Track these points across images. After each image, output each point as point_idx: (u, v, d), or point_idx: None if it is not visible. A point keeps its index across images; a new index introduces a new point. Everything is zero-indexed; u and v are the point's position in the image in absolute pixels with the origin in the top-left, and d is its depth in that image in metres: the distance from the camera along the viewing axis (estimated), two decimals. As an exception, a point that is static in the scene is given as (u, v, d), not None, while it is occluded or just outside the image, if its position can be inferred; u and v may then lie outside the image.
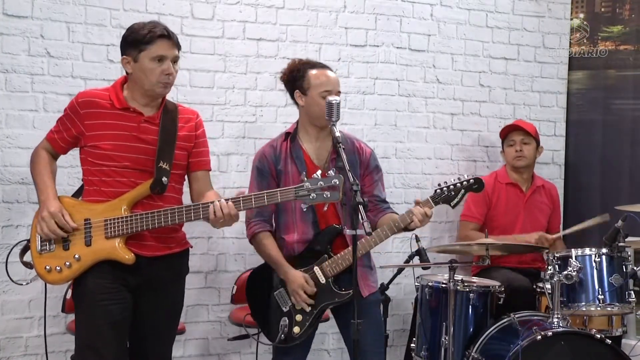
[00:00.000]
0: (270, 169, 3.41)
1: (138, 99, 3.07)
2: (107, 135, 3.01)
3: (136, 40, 3.01)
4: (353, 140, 3.54)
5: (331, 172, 2.95)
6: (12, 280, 3.24)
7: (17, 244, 3.18)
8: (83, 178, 3.12)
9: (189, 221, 3.03)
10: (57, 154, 3.17)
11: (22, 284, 3.25)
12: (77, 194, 3.21)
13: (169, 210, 2.97)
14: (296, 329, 3.33)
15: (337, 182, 2.89)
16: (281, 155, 3.42)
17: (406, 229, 3.32)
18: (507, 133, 4.58)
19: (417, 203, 3.32)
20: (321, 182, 2.90)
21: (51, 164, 3.15)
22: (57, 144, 3.12)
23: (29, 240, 3.10)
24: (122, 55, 3.07)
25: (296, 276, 3.32)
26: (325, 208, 3.01)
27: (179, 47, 3.09)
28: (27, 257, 3.11)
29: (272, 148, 3.45)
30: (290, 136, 3.44)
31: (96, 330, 2.93)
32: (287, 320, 3.33)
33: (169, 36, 3.03)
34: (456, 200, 3.35)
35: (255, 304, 3.46)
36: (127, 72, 3.08)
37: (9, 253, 3.23)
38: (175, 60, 3.07)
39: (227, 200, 2.97)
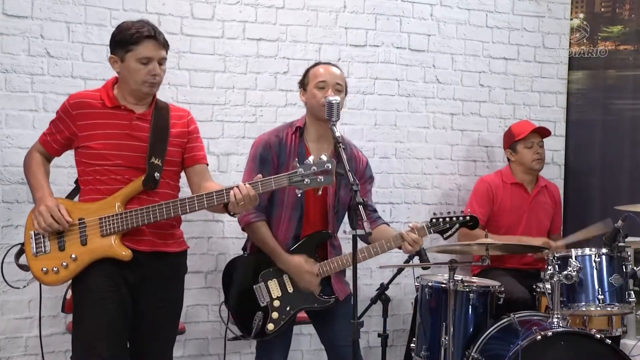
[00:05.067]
0: (272, 159, 3.43)
1: (128, 98, 3.09)
2: (99, 134, 3.02)
3: (123, 40, 3.03)
4: (352, 147, 3.60)
5: (323, 157, 2.93)
6: (8, 284, 3.23)
7: (12, 247, 3.17)
8: (78, 179, 3.13)
9: (184, 214, 3.02)
10: (50, 156, 3.19)
11: (19, 287, 3.22)
12: (71, 196, 3.21)
13: (163, 204, 2.97)
14: (270, 326, 3.36)
15: (330, 166, 2.90)
16: (286, 147, 3.45)
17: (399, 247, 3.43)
18: (527, 134, 4.51)
19: (412, 229, 3.40)
20: (314, 167, 2.91)
21: (45, 165, 3.16)
22: (50, 146, 3.14)
23: (23, 244, 3.08)
24: (110, 53, 3.09)
25: (297, 261, 3.37)
26: (320, 192, 3.05)
27: (166, 46, 3.10)
28: (23, 260, 3.10)
29: (277, 138, 3.47)
30: (300, 131, 3.48)
31: (95, 330, 2.92)
32: (262, 315, 3.35)
33: (155, 37, 3.04)
34: (449, 233, 3.46)
35: (231, 293, 3.46)
36: (116, 72, 3.10)
37: (4, 256, 3.21)
38: (161, 61, 3.08)
39: (227, 188, 2.96)
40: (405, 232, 3.39)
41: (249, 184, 2.96)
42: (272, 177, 2.99)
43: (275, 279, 3.40)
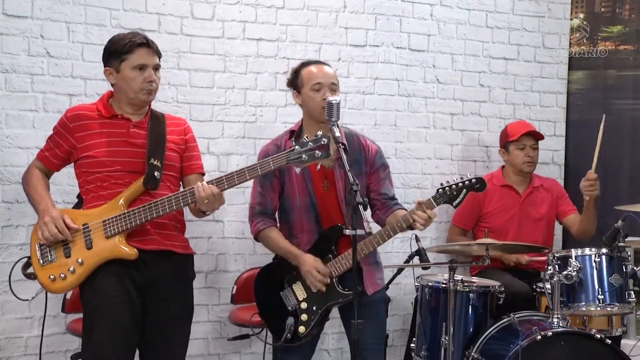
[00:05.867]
0: None
1: (124, 108, 3.13)
2: (98, 143, 3.06)
3: (116, 51, 3.07)
4: (359, 137, 3.55)
5: (319, 133, 2.97)
6: (17, 297, 3.23)
7: (18, 261, 3.18)
8: (80, 191, 3.16)
9: (186, 205, 3.05)
10: (49, 171, 3.21)
11: (27, 300, 3.27)
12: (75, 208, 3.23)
13: (165, 198, 3.00)
14: (301, 329, 3.34)
15: (326, 141, 2.94)
16: None
17: (410, 227, 3.32)
18: (520, 136, 4.50)
19: (418, 203, 3.31)
20: (310, 143, 2.96)
21: (44, 179, 3.19)
22: (49, 161, 3.16)
23: (29, 257, 3.10)
24: (104, 67, 3.13)
25: (307, 258, 3.33)
26: (318, 167, 3.04)
27: (159, 54, 3.15)
28: (30, 270, 3.10)
29: (276, 147, 3.45)
30: (295, 134, 3.45)
31: (106, 336, 2.93)
32: (293, 320, 3.33)
33: (148, 44, 3.09)
34: (458, 200, 3.33)
35: (262, 303, 3.47)
36: (111, 84, 3.14)
37: (11, 271, 3.21)
38: (156, 67, 3.12)
39: (225, 176, 3.01)
40: (414, 210, 3.29)
41: (217, 179, 3.00)
42: (270, 157, 3.02)
43: (299, 281, 3.38)
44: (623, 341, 4.08)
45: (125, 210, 3.00)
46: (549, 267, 3.67)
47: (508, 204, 4.50)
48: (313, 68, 3.43)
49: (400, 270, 4.19)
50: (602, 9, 5.09)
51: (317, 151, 2.94)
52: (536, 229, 4.48)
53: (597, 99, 5.03)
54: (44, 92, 3.94)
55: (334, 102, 3.16)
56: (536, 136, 4.52)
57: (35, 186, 3.13)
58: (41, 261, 3.03)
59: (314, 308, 3.35)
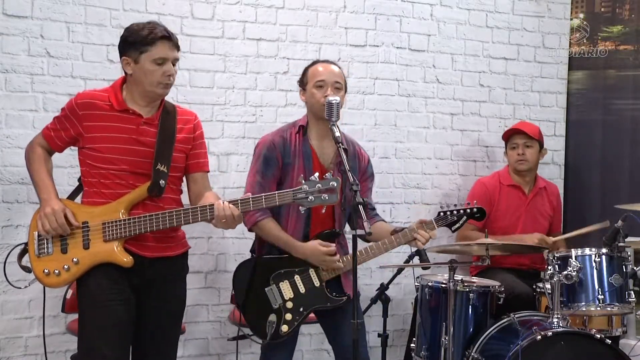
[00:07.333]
0: (277, 159, 3.41)
1: (137, 100, 3.06)
2: (106, 137, 3.00)
3: (137, 42, 2.98)
4: (354, 145, 3.58)
5: (328, 175, 2.93)
6: (10, 284, 3.24)
7: (15, 247, 3.18)
8: (82, 178, 3.11)
9: (187, 224, 3.02)
10: (52, 150, 3.16)
11: (20, 287, 3.24)
12: (74, 194, 3.21)
13: (167, 213, 2.96)
14: (284, 327, 3.35)
15: (335, 185, 2.88)
16: (290, 148, 3.42)
17: (408, 243, 3.43)
18: (510, 135, 4.55)
19: (421, 222, 3.40)
20: (319, 185, 2.89)
21: (47, 161, 3.13)
22: (53, 141, 3.11)
23: (26, 244, 3.09)
24: (121, 55, 3.04)
25: (314, 248, 3.35)
26: (323, 210, 3.05)
27: (178, 47, 3.08)
28: (25, 261, 3.10)
29: (282, 139, 3.44)
30: (303, 130, 3.46)
31: (100, 331, 2.93)
32: (275, 317, 3.34)
33: (169, 37, 3.01)
34: (457, 225, 3.48)
35: (243, 298, 3.45)
36: (126, 73, 3.06)
37: (7, 255, 3.23)
38: (175, 61, 3.05)
39: (210, 205, 2.98)
40: (415, 228, 3.39)
41: (238, 200, 2.97)
42: (277, 192, 2.99)
43: (286, 281, 3.38)
44: (623, 341, 4.08)
45: (127, 217, 2.96)
46: (549, 267, 3.68)
47: (515, 204, 4.51)
48: (319, 67, 3.46)
49: (400, 270, 4.18)
50: (602, 9, 5.09)
51: (324, 195, 2.90)
52: (540, 229, 4.48)
53: (597, 99, 5.04)
54: (44, 92, 3.94)
55: (333, 102, 3.17)
56: (526, 132, 4.49)
57: (39, 170, 3.09)
58: (37, 251, 3.01)
59: (300, 309, 3.37)
